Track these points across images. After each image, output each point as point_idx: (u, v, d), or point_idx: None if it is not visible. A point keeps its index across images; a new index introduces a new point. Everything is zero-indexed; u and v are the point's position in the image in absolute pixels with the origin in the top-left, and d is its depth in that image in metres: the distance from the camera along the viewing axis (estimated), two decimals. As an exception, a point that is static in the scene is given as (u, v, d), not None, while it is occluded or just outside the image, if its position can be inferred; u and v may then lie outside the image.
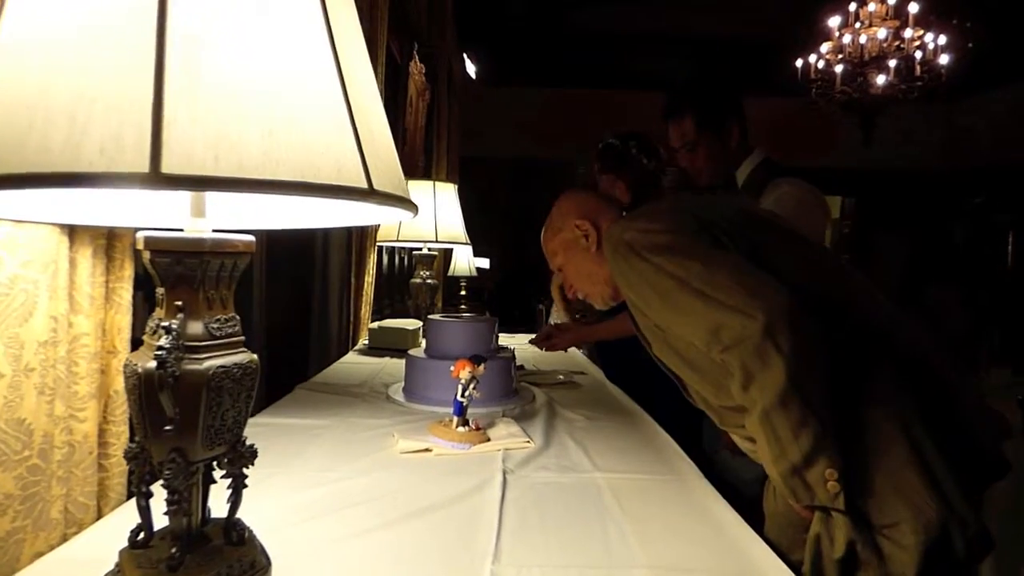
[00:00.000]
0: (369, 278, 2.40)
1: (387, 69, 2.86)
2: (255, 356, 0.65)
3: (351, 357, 2.12)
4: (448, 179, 5.16)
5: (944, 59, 4.64)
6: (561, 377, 1.81)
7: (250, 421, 1.25)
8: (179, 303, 0.59)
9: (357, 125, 0.56)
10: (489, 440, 1.20)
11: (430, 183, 2.50)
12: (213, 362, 0.60)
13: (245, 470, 0.66)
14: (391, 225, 2.43)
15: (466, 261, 4.99)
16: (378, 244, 2.54)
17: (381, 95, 2.23)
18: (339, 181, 0.52)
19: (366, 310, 2.41)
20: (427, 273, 2.57)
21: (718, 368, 0.96)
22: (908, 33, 4.59)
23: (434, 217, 2.44)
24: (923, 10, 4.58)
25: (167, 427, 0.57)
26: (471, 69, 5.72)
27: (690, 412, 1.81)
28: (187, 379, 0.58)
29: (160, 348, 0.56)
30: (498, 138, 7.22)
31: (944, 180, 7.26)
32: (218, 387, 0.60)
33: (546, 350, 2.12)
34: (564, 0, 5.40)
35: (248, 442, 0.66)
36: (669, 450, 1.20)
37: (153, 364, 0.56)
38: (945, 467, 0.89)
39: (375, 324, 2.27)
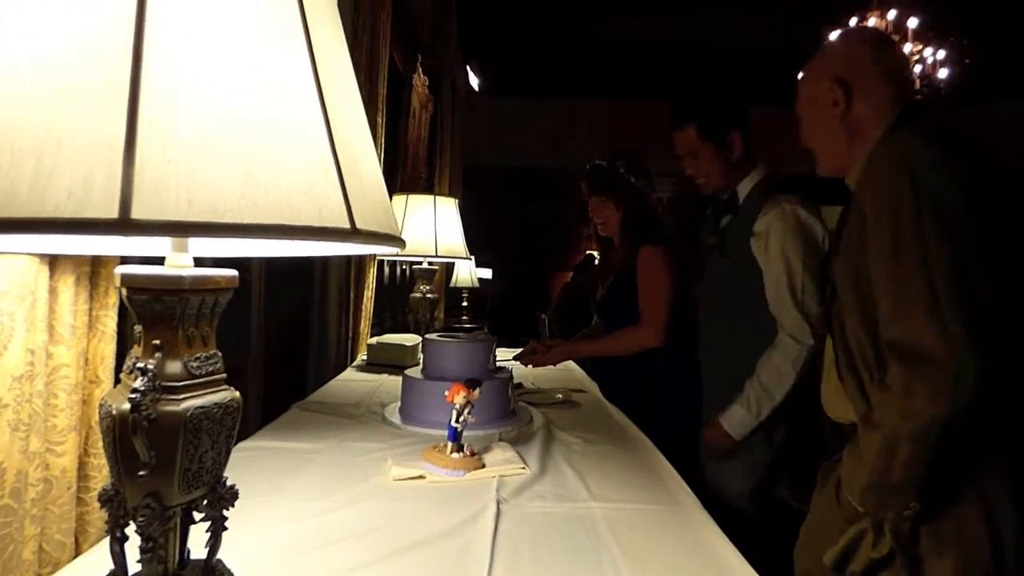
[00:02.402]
0: (369, 292, 2.39)
1: (390, 81, 2.87)
2: (236, 394, 0.63)
3: (349, 374, 2.10)
4: (451, 189, 5.17)
5: (943, 73, 4.64)
6: (559, 396, 1.79)
7: (242, 444, 1.24)
8: (157, 341, 0.57)
9: (341, 162, 0.55)
10: (484, 466, 1.17)
11: (431, 198, 2.49)
12: (192, 402, 0.58)
13: (225, 512, 0.64)
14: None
15: (468, 272, 4.99)
16: (378, 258, 2.52)
17: (382, 109, 2.21)
18: (320, 222, 0.50)
19: (365, 325, 2.40)
20: (427, 287, 2.56)
21: (871, 338, 0.97)
22: (908, 48, 4.59)
23: (434, 232, 2.43)
24: (922, 25, 4.59)
25: (141, 472, 0.55)
26: (474, 81, 5.73)
27: (683, 424, 1.82)
28: (164, 421, 0.56)
29: (135, 391, 0.54)
30: (502, 148, 7.23)
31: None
32: (196, 428, 0.58)
33: (533, 366, 2.11)
34: (572, 11, 5.41)
35: (229, 482, 0.65)
36: (667, 476, 1.18)
37: (127, 406, 0.54)
38: (1014, 525, 0.90)
39: (374, 340, 2.26)
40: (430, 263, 2.57)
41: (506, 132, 7.22)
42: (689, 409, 1.86)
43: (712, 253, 1.77)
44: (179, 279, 0.56)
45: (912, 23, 4.58)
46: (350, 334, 2.30)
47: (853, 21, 4.70)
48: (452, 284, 5.02)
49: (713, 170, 1.77)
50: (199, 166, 0.45)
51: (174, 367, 0.58)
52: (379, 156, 2.41)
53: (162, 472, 0.57)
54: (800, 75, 1.24)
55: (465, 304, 5.07)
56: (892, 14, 4.64)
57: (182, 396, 0.57)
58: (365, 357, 2.26)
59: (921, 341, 0.89)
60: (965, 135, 1.01)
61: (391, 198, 2.48)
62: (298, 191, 0.50)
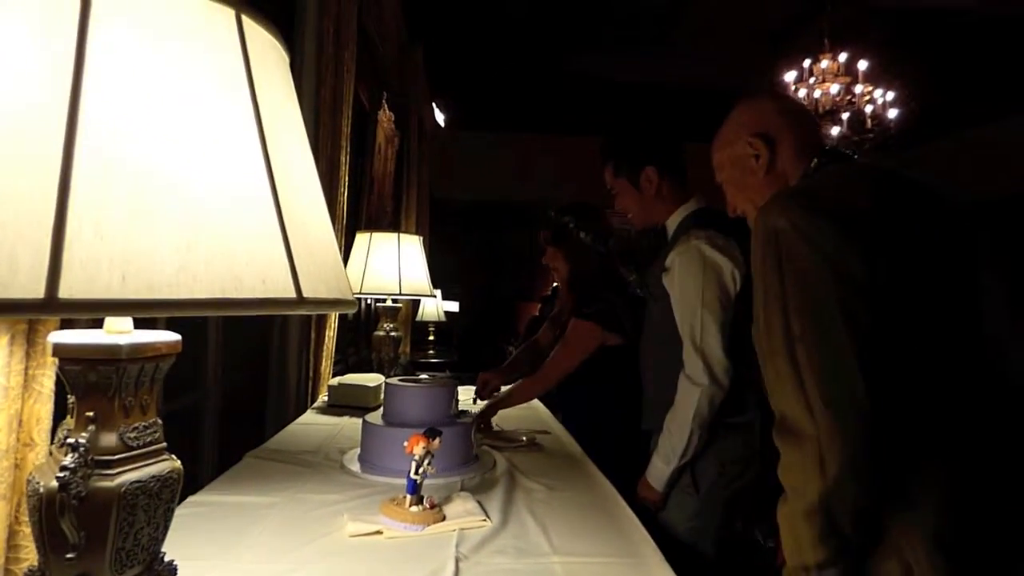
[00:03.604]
0: (331, 332, 2.35)
1: (355, 118, 2.87)
2: (177, 463, 0.61)
3: (309, 416, 2.04)
4: (419, 222, 5.16)
5: (892, 113, 4.86)
6: (524, 439, 1.77)
7: (191, 499, 1.19)
8: (91, 413, 0.55)
9: (287, 228, 0.54)
10: (444, 519, 1.14)
11: (395, 235, 2.48)
12: (127, 476, 0.55)
13: (163, 590, 0.61)
14: (353, 277, 2.40)
15: (434, 306, 4.96)
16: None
17: (346, 147, 2.20)
18: (264, 294, 0.49)
19: (327, 364, 2.35)
20: (390, 325, 2.53)
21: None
22: (859, 89, 4.81)
23: (398, 269, 2.42)
24: (872, 67, 4.82)
25: (69, 554, 0.52)
26: (440, 117, 5.78)
27: (633, 454, 1.82)
28: (95, 498, 0.53)
29: (64, 468, 0.51)
30: (470, 181, 7.28)
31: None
32: (131, 504, 0.55)
33: (485, 398, 2.11)
34: (540, 47, 5.53)
35: (168, 556, 0.62)
36: (629, 526, 1.16)
37: (56, 484, 0.51)
38: None
39: (335, 380, 2.21)
40: (394, 301, 2.55)
41: (474, 165, 7.29)
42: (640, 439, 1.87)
43: (638, 290, 1.78)
44: (115, 348, 0.54)
45: (862, 65, 4.80)
46: (311, 374, 2.25)
47: (806, 63, 4.92)
48: (418, 318, 4.99)
49: (633, 206, 1.77)
50: (135, 241, 0.44)
51: (109, 439, 0.55)
52: (343, 193, 2.41)
53: (93, 553, 0.54)
54: (714, 147, 1.21)
55: (432, 338, 5.03)
56: (843, 56, 4.86)
57: (116, 470, 0.55)
58: (326, 398, 2.21)
59: (791, 415, 0.88)
60: (840, 194, 0.98)
61: (356, 235, 2.45)
62: (241, 261, 0.49)
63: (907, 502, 0.90)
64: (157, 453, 0.59)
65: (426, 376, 1.71)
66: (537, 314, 6.24)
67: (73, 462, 0.51)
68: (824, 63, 4.89)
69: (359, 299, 3.83)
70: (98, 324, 0.58)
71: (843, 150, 1.14)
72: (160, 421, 0.61)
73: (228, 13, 0.54)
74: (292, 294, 0.52)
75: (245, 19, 0.55)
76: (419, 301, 4.97)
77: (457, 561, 0.98)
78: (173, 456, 0.61)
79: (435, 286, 5.35)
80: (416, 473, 1.14)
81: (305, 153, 0.64)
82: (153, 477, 0.57)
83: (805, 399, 0.87)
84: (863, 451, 0.85)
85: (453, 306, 5.88)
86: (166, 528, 0.60)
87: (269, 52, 0.59)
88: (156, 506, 0.57)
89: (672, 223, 1.74)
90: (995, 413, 0.95)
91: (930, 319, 0.93)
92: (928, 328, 0.93)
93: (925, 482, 0.90)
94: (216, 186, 0.49)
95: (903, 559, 0.89)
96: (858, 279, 0.88)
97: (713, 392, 1.53)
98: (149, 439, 0.58)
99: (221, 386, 1.93)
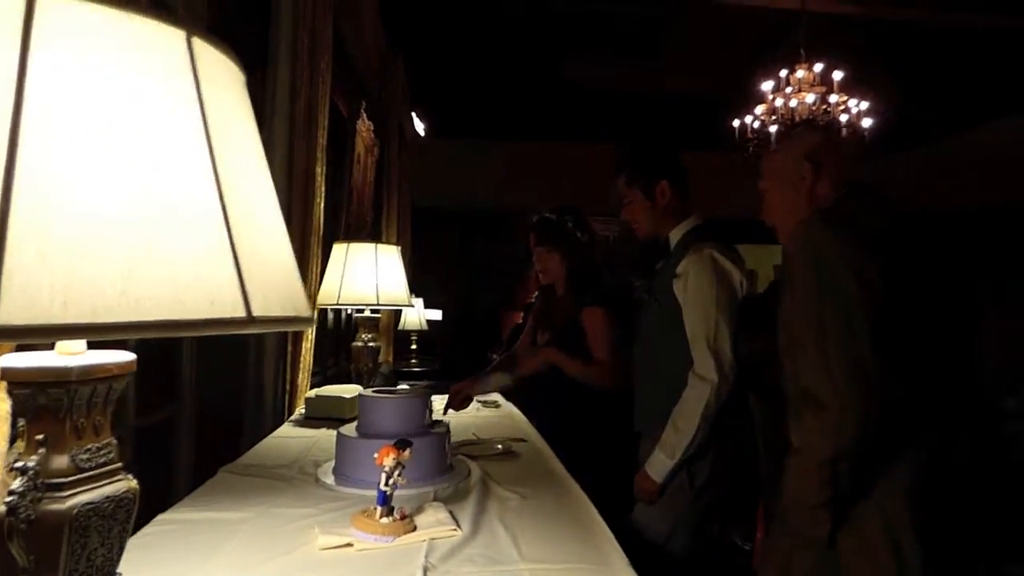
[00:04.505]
0: (308, 344, 2.34)
1: (334, 127, 2.87)
2: (133, 483, 0.61)
3: (285, 429, 2.03)
4: (400, 231, 5.16)
5: (866, 122, 4.96)
6: (499, 447, 1.77)
7: (160, 517, 1.19)
8: (41, 436, 0.55)
9: (238, 247, 0.54)
10: (415, 529, 1.15)
11: (372, 246, 2.48)
12: (80, 498, 0.55)
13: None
14: (331, 288, 2.39)
15: (416, 315, 4.95)
16: (319, 306, 2.48)
17: (322, 159, 2.20)
18: (211, 314, 0.50)
19: (304, 376, 2.34)
20: (368, 336, 2.52)
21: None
22: (833, 98, 4.89)
23: (376, 280, 2.41)
24: (847, 78, 4.91)
25: (19, 577, 0.52)
26: (419, 127, 5.80)
27: (612, 457, 1.87)
28: (45, 521, 0.53)
29: (12, 492, 0.51)
30: (453, 189, 7.28)
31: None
32: (84, 527, 0.55)
33: (457, 409, 2.15)
34: (526, 55, 5.56)
35: (125, 576, 0.61)
36: (598, 531, 1.17)
37: (3, 509, 0.51)
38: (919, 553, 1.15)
39: (312, 392, 2.20)
40: (373, 311, 2.54)
41: (457, 173, 7.29)
42: (618, 441, 1.91)
43: (644, 295, 1.85)
44: (65, 371, 0.54)
45: (837, 75, 4.89)
46: (287, 386, 2.24)
47: (783, 73, 4.99)
48: (401, 327, 4.97)
49: (642, 216, 1.85)
50: (77, 265, 0.44)
51: (60, 462, 0.55)
52: (319, 204, 2.40)
53: (44, 575, 0.54)
54: (767, 157, 1.45)
55: (414, 347, 5.01)
56: (819, 66, 4.95)
57: (68, 492, 0.55)
58: (303, 410, 2.20)
59: (818, 389, 1.13)
60: (863, 218, 1.25)
61: (332, 244, 2.45)
62: (186, 283, 0.49)
63: (891, 465, 1.16)
64: (112, 474, 0.59)
65: (406, 386, 1.72)
66: (520, 322, 6.25)
67: (22, 486, 0.51)
68: (800, 73, 4.98)
69: (338, 310, 3.82)
70: (52, 344, 0.58)
71: (863, 183, 1.38)
72: (115, 441, 0.61)
73: (179, 35, 0.55)
74: (241, 313, 0.52)
75: (195, 40, 0.56)
76: (401, 311, 4.96)
77: (425, 571, 0.98)
78: (129, 476, 0.61)
79: (418, 295, 5.37)
80: (386, 485, 1.14)
81: (260, 170, 0.64)
82: (107, 498, 0.57)
83: (829, 376, 1.12)
84: (872, 421, 1.11)
85: (436, 314, 5.87)
86: (121, 549, 0.60)
87: (221, 71, 0.59)
88: (111, 527, 0.57)
89: (675, 236, 1.84)
90: (965, 398, 1.26)
91: (926, 319, 1.21)
92: (924, 326, 1.20)
93: (907, 449, 1.17)
94: (162, 209, 0.50)
95: (884, 514, 1.15)
96: (876, 286, 1.15)
97: (722, 387, 1.64)
98: (103, 460, 0.58)
99: (197, 399, 1.92)
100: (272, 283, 0.58)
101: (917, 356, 1.20)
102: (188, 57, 0.55)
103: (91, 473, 0.57)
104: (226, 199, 0.55)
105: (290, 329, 0.58)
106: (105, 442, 0.59)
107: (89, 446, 0.57)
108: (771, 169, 1.44)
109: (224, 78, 0.60)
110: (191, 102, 0.54)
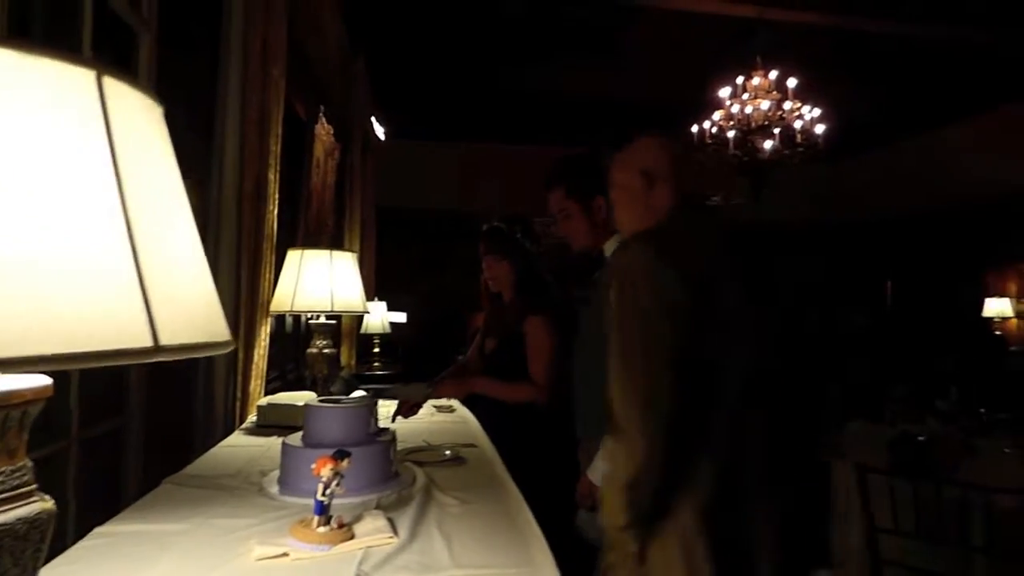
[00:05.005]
0: (261, 351, 2.34)
1: (291, 131, 2.87)
2: (49, 504, 0.63)
3: (235, 438, 2.03)
4: (364, 233, 5.14)
5: (820, 128, 5.12)
6: (448, 453, 1.81)
7: (97, 531, 1.19)
8: (-50, 462, 0.56)
9: (146, 277, 0.56)
10: (353, 538, 1.18)
11: (327, 252, 2.49)
12: (-9, 520, 0.57)
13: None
14: (284, 295, 2.40)
15: (379, 318, 4.94)
16: (273, 313, 2.48)
17: (275, 165, 2.21)
18: (118, 345, 0.52)
19: (256, 384, 2.34)
20: (323, 342, 2.53)
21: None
22: (788, 105, 5.04)
23: (330, 287, 2.42)
24: (801, 84, 5.07)
25: (-74, 602, 0.54)
26: (379, 131, 5.79)
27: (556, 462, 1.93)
28: (-45, 544, 0.55)
29: (-82, 517, 0.53)
30: (417, 190, 7.28)
31: (827, 234, 7.90)
32: (-5, 548, 0.57)
33: (406, 416, 2.20)
34: (486, 59, 5.60)
35: (40, 595, 0.63)
36: (530, 536, 1.20)
37: (-90, 534, 0.53)
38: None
39: (264, 400, 2.20)
40: (328, 317, 2.55)
41: (419, 174, 7.30)
42: (563, 451, 1.97)
43: (583, 304, 1.91)
44: (-25, 398, 0.56)
45: (791, 83, 5.04)
46: (239, 394, 2.23)
47: (739, 80, 5.13)
48: (363, 331, 4.96)
49: (579, 229, 1.89)
50: (-22, 302, 0.46)
51: (-30, 486, 0.57)
52: (272, 211, 2.40)
53: (-47, 597, 0.56)
54: (612, 166, 1.44)
55: (376, 350, 5.01)
56: (773, 74, 5.09)
57: (-21, 515, 0.57)
58: (255, 419, 2.20)
59: (619, 415, 1.19)
60: (689, 237, 1.31)
61: (288, 251, 2.45)
62: (92, 316, 0.51)
63: (687, 485, 1.22)
64: (26, 495, 0.61)
65: (362, 392, 1.74)
66: (481, 325, 6.29)
67: (-72, 510, 0.53)
68: (756, 80, 5.12)
69: (296, 316, 3.80)
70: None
71: (704, 201, 1.46)
72: (30, 464, 0.62)
73: (88, 75, 0.57)
74: (148, 343, 0.55)
75: (106, 79, 0.58)
76: (363, 315, 4.95)
77: (358, 580, 1.01)
78: (45, 497, 0.63)
79: (382, 297, 5.35)
80: (323, 495, 1.17)
81: (177, 199, 0.66)
82: (20, 519, 0.59)
83: (627, 401, 1.17)
84: (662, 448, 1.17)
85: (400, 317, 5.87)
86: (35, 570, 0.61)
87: (133, 105, 0.62)
88: (24, 548, 0.59)
89: (609, 247, 1.87)
90: (754, 417, 1.30)
91: (721, 338, 1.24)
92: (718, 346, 1.24)
93: (701, 470, 1.23)
94: (64, 247, 0.52)
95: (680, 531, 1.20)
96: (682, 311, 1.18)
97: None
98: (16, 483, 0.60)
99: (145, 410, 1.90)
100: (185, 311, 0.61)
101: (723, 379, 1.23)
102: (97, 95, 0.57)
103: (4, 496, 0.59)
104: (135, 231, 0.57)
105: (204, 355, 0.60)
106: (20, 465, 0.61)
107: (3, 469, 0.59)
108: (611, 182, 1.45)
109: (136, 111, 0.62)
110: (99, 138, 0.56)
